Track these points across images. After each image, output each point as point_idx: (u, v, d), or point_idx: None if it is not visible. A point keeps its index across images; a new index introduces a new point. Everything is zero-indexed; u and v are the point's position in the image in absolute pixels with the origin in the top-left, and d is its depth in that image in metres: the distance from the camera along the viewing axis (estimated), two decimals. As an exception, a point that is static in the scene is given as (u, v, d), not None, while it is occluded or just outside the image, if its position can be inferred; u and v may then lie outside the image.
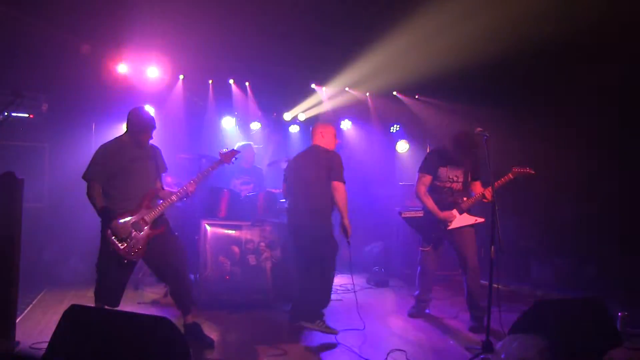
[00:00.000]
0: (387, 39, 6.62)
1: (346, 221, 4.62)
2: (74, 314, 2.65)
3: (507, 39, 5.80)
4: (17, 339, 4.02)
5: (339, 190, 4.65)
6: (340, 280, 6.40)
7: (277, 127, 8.73)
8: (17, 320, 4.12)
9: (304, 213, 4.72)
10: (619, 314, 4.69)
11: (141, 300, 5.76)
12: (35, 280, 6.04)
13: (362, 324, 4.89)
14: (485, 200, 4.97)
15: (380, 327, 5.10)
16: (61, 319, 2.60)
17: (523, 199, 6.92)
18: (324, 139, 4.91)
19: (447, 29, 6.12)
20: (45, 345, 2.64)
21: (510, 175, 4.99)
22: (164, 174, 4.47)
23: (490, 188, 4.71)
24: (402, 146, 8.94)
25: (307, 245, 4.72)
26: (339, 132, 8.91)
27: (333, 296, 6.10)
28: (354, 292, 5.67)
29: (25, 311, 5.11)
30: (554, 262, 7.24)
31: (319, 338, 4.57)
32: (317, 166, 4.74)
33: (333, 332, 4.63)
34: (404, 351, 4.26)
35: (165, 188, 4.45)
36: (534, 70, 6.93)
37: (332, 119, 8.54)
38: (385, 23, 6.39)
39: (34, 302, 5.48)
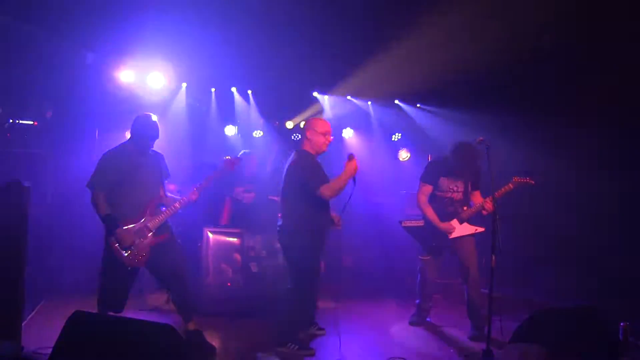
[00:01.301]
0: (389, 47, 6.65)
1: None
2: (77, 320, 2.67)
3: (509, 48, 5.83)
4: (21, 344, 4.04)
5: (325, 194, 4.01)
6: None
7: (280, 135, 8.77)
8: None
9: (280, 232, 4.43)
10: (621, 324, 4.66)
11: (143, 306, 5.76)
12: (39, 286, 6.04)
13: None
14: (485, 212, 4.97)
15: (381, 335, 5.10)
16: (65, 324, 2.62)
17: (524, 208, 6.92)
18: (309, 141, 4.37)
19: (449, 38, 6.16)
20: (49, 351, 2.66)
21: (510, 185, 5.01)
22: (166, 181, 4.50)
23: (490, 198, 4.73)
24: (404, 155, 8.96)
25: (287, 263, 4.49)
26: (341, 140, 8.93)
27: (332, 305, 6.11)
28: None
29: (29, 317, 5.11)
30: (555, 271, 7.23)
31: (318, 346, 4.55)
32: (285, 180, 4.34)
33: (308, 353, 4.33)
34: (405, 359, 4.27)
35: (168, 195, 4.48)
36: (535, 80, 6.96)
37: (334, 127, 8.56)
38: (388, 32, 6.43)
39: (37, 308, 5.48)
